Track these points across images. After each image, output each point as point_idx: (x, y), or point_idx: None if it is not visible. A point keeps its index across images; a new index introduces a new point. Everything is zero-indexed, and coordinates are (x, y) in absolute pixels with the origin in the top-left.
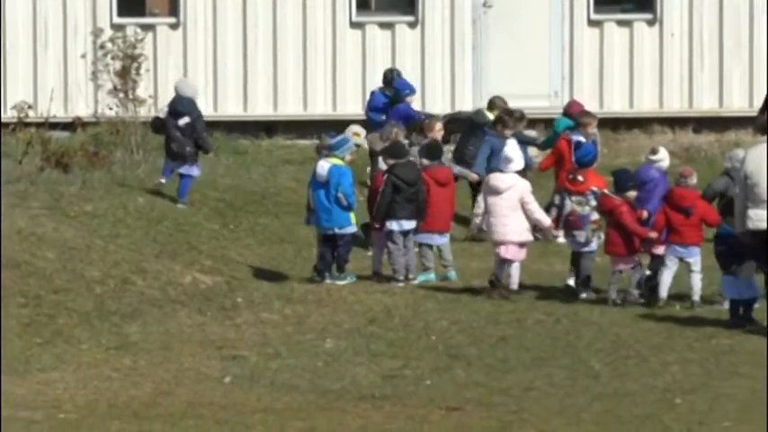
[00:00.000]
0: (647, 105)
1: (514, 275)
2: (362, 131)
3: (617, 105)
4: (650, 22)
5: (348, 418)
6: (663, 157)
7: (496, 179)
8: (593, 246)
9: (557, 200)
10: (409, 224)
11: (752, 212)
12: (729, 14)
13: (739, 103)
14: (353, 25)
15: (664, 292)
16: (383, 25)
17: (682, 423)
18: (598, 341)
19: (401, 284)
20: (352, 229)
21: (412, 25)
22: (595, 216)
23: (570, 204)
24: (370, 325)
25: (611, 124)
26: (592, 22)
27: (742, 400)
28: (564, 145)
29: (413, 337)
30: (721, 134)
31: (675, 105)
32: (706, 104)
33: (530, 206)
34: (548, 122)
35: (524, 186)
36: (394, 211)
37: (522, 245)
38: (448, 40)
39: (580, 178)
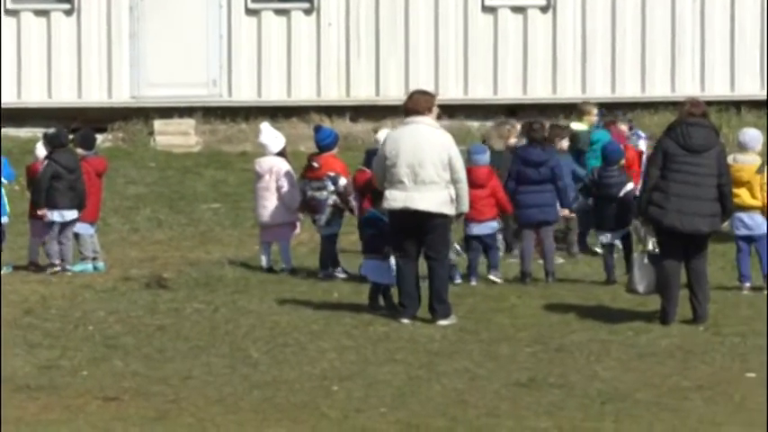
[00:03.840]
0: (304, 94)
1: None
2: None
3: (274, 94)
4: (307, 12)
5: (4, 409)
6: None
7: None
8: (334, 229)
9: (300, 185)
10: (71, 213)
11: (388, 193)
12: (386, 4)
13: (396, 92)
14: (8, 12)
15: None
16: (38, 12)
17: (338, 410)
18: (257, 329)
19: (57, 274)
20: (5, 219)
21: (68, 13)
22: (334, 200)
23: (310, 190)
24: (27, 315)
25: (269, 112)
26: (249, 11)
27: (398, 386)
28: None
29: (70, 328)
30: (378, 123)
31: (333, 94)
32: (363, 93)
33: None
34: (206, 111)
35: None
36: (55, 200)
37: None
38: (105, 27)
39: (315, 164)
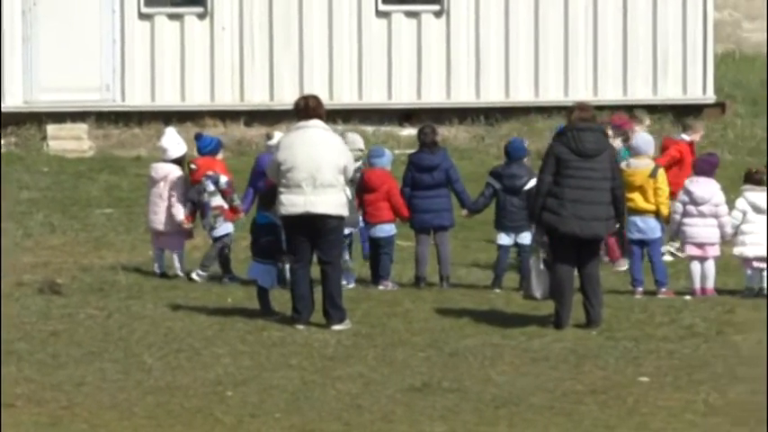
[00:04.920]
0: (198, 98)
1: None
2: None
3: (168, 99)
4: (201, 16)
5: None
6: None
7: None
8: (220, 231)
9: (189, 195)
10: None
11: (285, 198)
12: (279, 9)
13: (290, 97)
14: None
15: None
16: None
17: (233, 415)
18: (150, 335)
19: None
20: None
21: None
22: (217, 202)
23: (196, 195)
24: None
25: (163, 117)
26: (143, 16)
27: (292, 392)
28: (683, 147)
29: None
30: (272, 127)
31: (227, 98)
32: (257, 98)
33: None
34: (99, 115)
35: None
36: None
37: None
38: None
39: (192, 166)
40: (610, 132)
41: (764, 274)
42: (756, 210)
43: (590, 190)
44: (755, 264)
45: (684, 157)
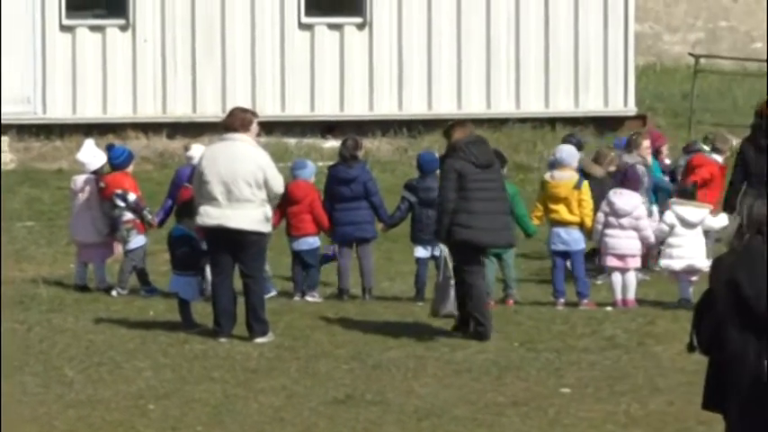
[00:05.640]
0: (120, 110)
1: None
2: None
3: (90, 111)
4: (123, 28)
5: None
6: (196, 154)
7: None
8: (133, 245)
9: (105, 209)
10: None
11: (203, 209)
12: (202, 21)
13: (213, 109)
14: None
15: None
16: None
17: (154, 429)
18: (72, 348)
19: None
20: None
21: None
22: (128, 216)
23: (108, 210)
24: None
25: (85, 129)
26: (64, 28)
27: (214, 405)
28: (714, 169)
29: None
30: (194, 139)
31: (149, 110)
32: (179, 110)
33: None
34: (20, 128)
35: None
36: None
37: None
38: None
39: (101, 184)
40: (647, 144)
41: (690, 288)
42: (684, 223)
43: (494, 201)
44: (683, 276)
45: (714, 178)
